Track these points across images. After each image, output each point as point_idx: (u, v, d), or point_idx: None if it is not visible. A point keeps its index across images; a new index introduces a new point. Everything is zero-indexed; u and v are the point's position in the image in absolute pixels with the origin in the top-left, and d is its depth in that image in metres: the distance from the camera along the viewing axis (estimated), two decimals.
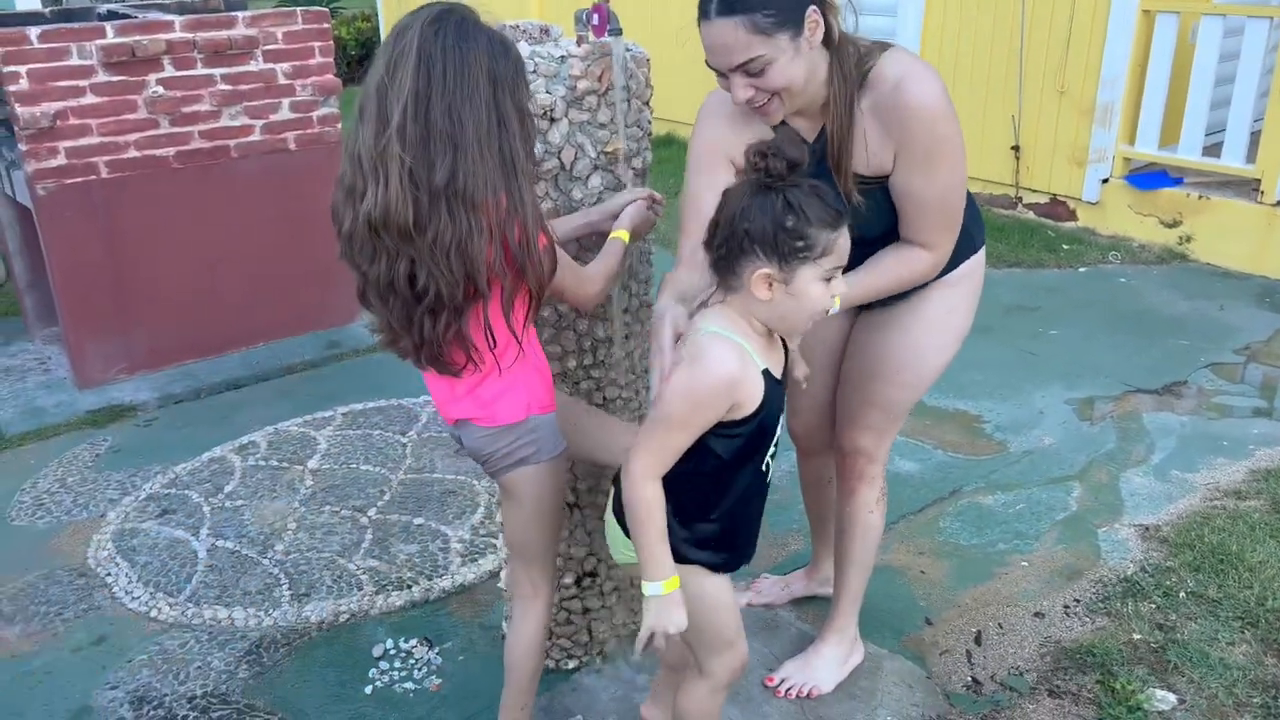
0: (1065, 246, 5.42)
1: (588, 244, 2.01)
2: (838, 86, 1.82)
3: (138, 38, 3.69)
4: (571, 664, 2.41)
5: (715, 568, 1.72)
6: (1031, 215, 5.89)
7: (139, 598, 2.75)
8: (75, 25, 3.62)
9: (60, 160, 3.67)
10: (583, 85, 1.96)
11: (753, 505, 1.74)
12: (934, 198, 1.88)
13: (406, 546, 2.94)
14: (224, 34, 3.89)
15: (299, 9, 4.07)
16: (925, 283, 2.07)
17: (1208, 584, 2.68)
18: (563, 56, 1.96)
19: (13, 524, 3.13)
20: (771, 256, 1.51)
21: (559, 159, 2.00)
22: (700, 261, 1.66)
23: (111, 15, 4.05)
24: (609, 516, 1.79)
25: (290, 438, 3.59)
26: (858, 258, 1.95)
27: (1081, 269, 5.16)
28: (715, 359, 1.54)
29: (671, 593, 1.61)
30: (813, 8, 1.73)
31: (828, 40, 1.80)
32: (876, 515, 2.29)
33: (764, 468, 1.71)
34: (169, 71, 3.80)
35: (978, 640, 2.55)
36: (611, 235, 1.92)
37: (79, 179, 3.73)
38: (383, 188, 1.54)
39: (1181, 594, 2.66)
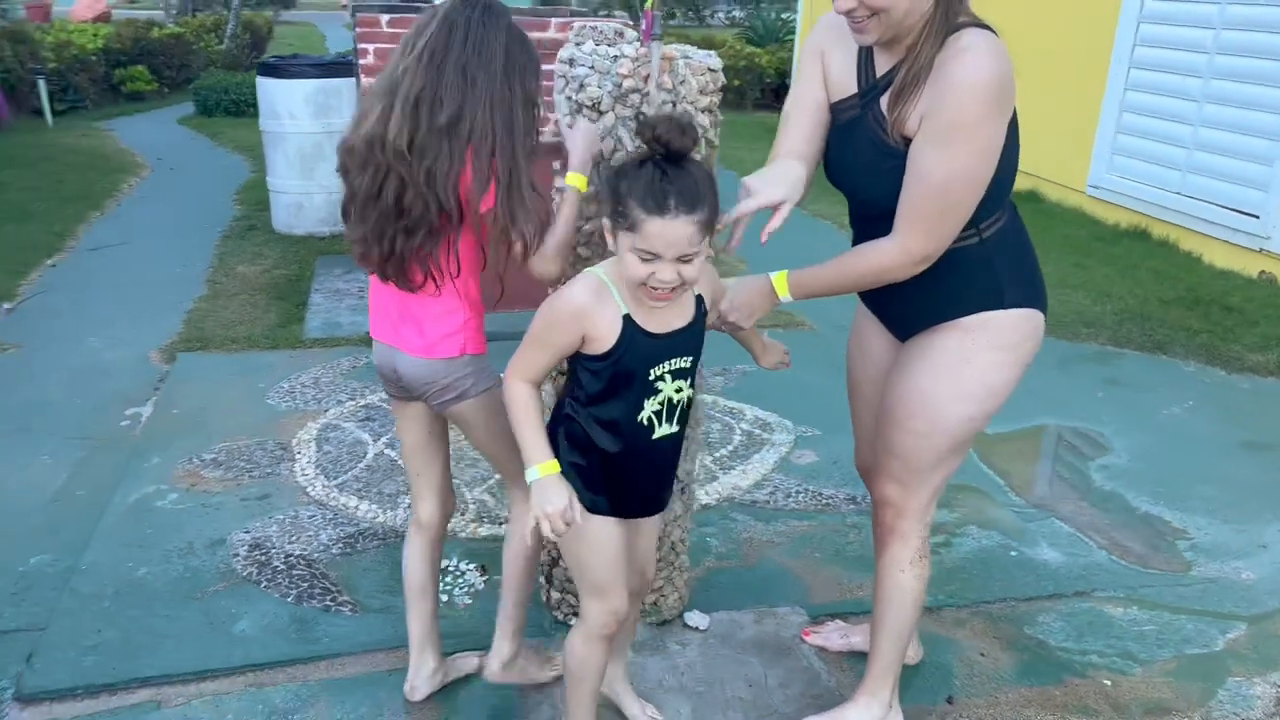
0: None
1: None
2: (933, 29, 1.77)
3: None
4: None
5: (590, 507, 1.85)
6: None
7: (307, 474, 3.34)
8: (415, 15, 4.37)
9: None
10: (628, 84, 2.14)
11: (632, 461, 1.84)
12: (934, 178, 1.77)
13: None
14: (544, 35, 4.46)
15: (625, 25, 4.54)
16: (934, 321, 1.99)
17: None
18: (616, 56, 2.15)
19: (266, 402, 3.91)
20: (607, 210, 1.69)
21: (600, 148, 2.19)
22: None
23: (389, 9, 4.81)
24: None
25: None
26: (864, 216, 1.99)
27: None
28: (571, 289, 1.75)
29: (548, 475, 1.77)
30: None
31: None
32: (909, 576, 2.16)
33: (643, 422, 1.80)
34: None
35: None
36: (566, 183, 2.01)
37: None
38: (388, 113, 1.85)
39: None
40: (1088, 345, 4.86)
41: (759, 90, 13.34)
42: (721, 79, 2.25)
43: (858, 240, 2.04)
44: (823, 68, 1.98)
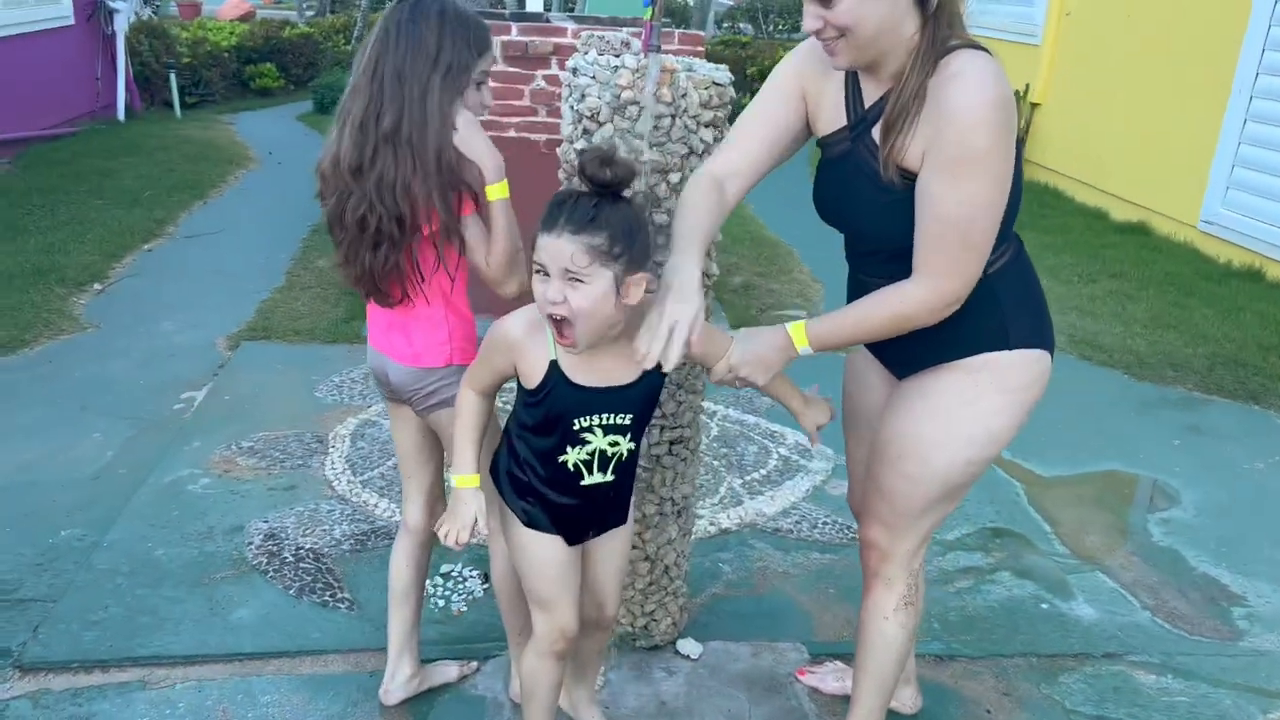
0: None
1: None
2: (920, 54, 1.66)
3: (533, 39, 4.39)
4: None
5: (525, 519, 1.84)
6: None
7: (335, 469, 3.39)
8: (490, 23, 4.41)
9: None
10: (626, 95, 2.09)
11: (564, 496, 1.81)
12: (951, 215, 1.66)
13: None
14: (561, 40, 4.45)
15: (676, 30, 4.50)
16: (934, 361, 1.88)
17: None
18: (616, 67, 2.11)
19: (313, 394, 3.99)
20: None
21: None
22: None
23: (519, 17, 4.82)
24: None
25: None
26: (888, 273, 1.84)
27: None
28: (512, 317, 1.74)
29: (463, 487, 1.81)
30: None
31: (928, 6, 1.66)
32: (892, 624, 2.05)
33: (568, 466, 1.77)
34: (554, 69, 4.45)
35: None
36: (489, 196, 1.93)
37: None
38: (339, 135, 1.87)
39: None
40: (1173, 389, 4.57)
41: None
42: (730, 93, 2.18)
43: (856, 275, 1.94)
44: (802, 94, 1.88)
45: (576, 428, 1.73)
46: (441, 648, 2.53)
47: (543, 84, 4.48)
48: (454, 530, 1.80)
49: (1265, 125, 6.24)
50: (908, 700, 2.40)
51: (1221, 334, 5.18)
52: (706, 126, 2.16)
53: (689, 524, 2.51)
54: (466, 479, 1.82)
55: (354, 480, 3.32)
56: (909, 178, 1.72)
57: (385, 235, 1.88)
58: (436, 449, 2.25)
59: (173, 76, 10.59)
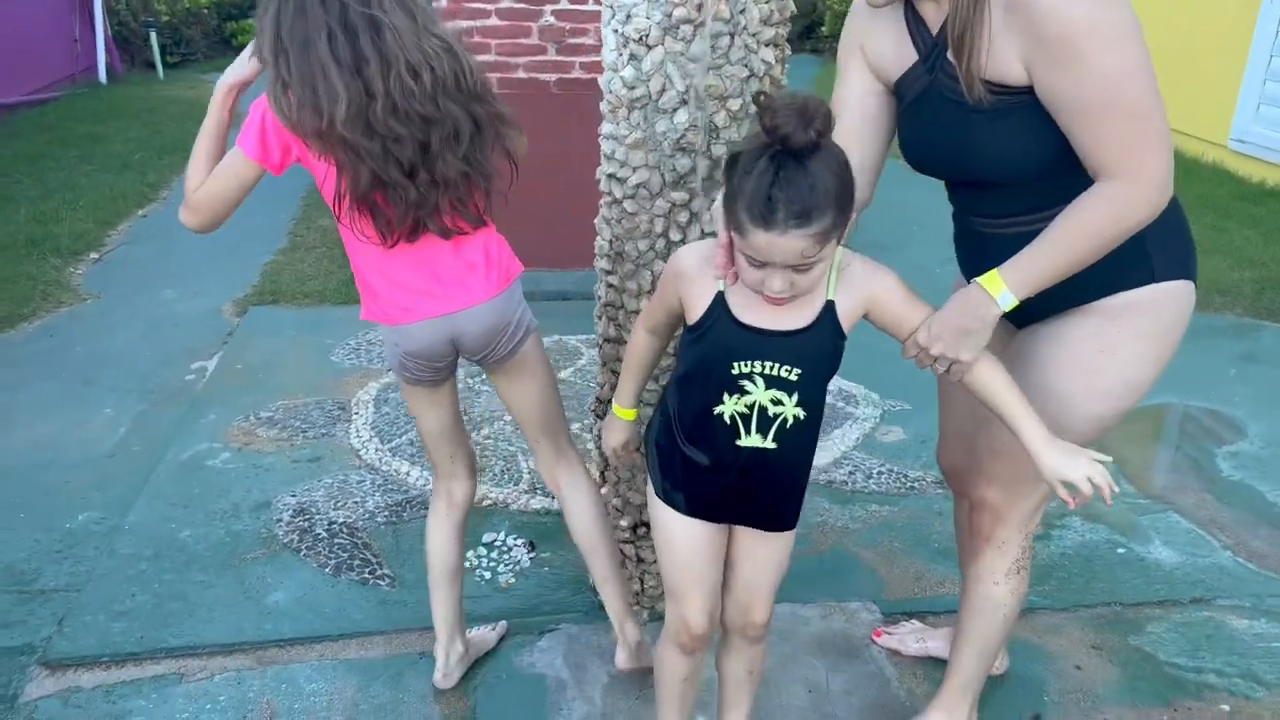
0: None
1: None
2: None
3: None
4: None
5: (663, 496, 1.67)
6: None
7: (361, 436, 3.21)
8: None
9: None
10: (679, 13, 1.88)
11: (711, 459, 1.60)
12: (1094, 96, 1.42)
13: None
14: None
15: None
16: (1065, 305, 1.66)
17: None
18: None
19: (330, 359, 3.80)
20: (724, 200, 1.45)
21: (647, 87, 1.94)
22: None
23: None
24: None
25: (565, 348, 3.89)
26: (978, 206, 1.66)
27: None
28: (688, 248, 1.61)
29: (618, 417, 1.80)
30: None
31: None
32: (1003, 590, 1.88)
33: (723, 418, 1.55)
34: (564, 5, 4.20)
35: None
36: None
37: None
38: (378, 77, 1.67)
39: None
40: (1223, 317, 4.39)
41: None
42: (791, 7, 1.97)
43: (970, 225, 1.72)
44: (864, 58, 1.69)
45: (735, 372, 1.52)
46: (492, 623, 2.37)
47: (551, 20, 4.23)
48: (609, 451, 1.84)
49: None
50: (995, 662, 2.25)
51: (1266, 256, 4.99)
52: (768, 45, 1.94)
53: None
54: (623, 410, 1.80)
55: (382, 448, 3.14)
56: (1011, 92, 1.51)
57: (465, 135, 1.75)
58: (461, 418, 2.10)
59: (153, 35, 10.26)
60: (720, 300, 1.52)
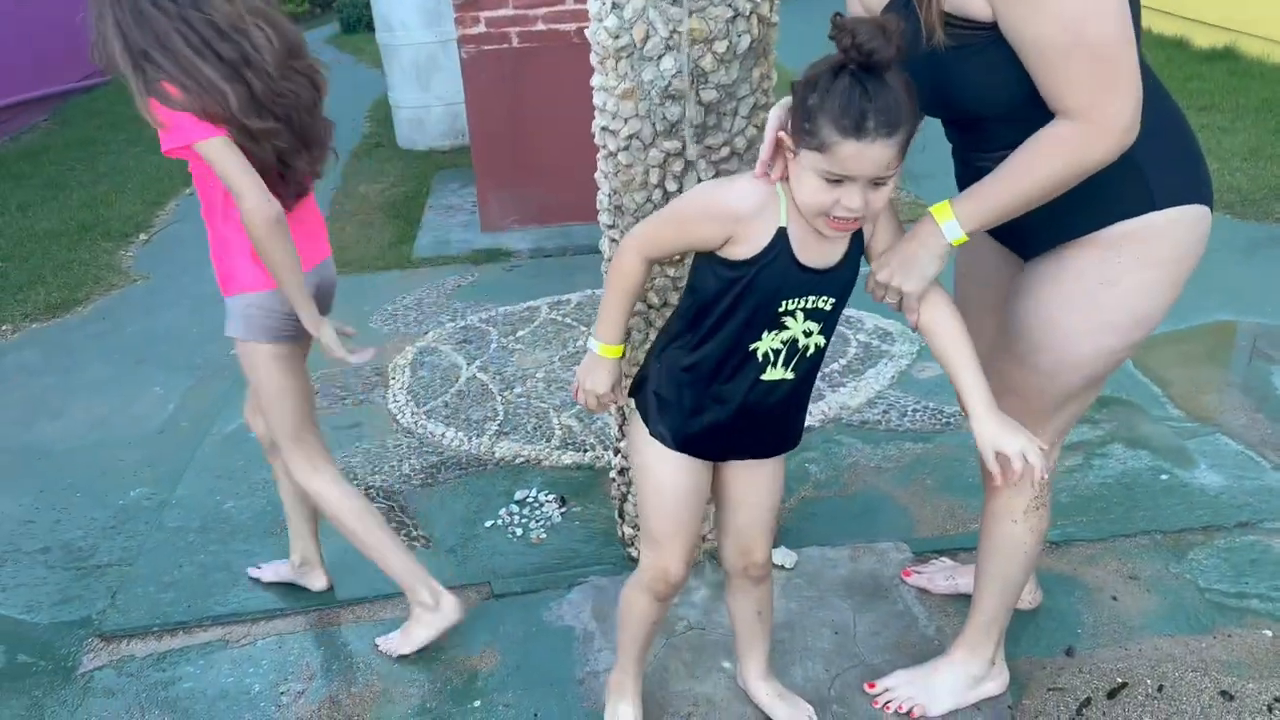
0: None
1: None
2: None
3: None
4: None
5: (653, 434, 1.66)
6: None
7: (398, 401, 3.27)
8: None
9: (481, 28, 4.24)
10: None
11: (727, 391, 1.59)
12: (1054, 37, 1.39)
13: (608, 417, 3.08)
14: None
15: None
16: (1065, 237, 1.61)
17: None
18: None
19: (369, 325, 3.86)
20: (792, 122, 1.43)
21: (631, 35, 1.91)
22: None
23: None
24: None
25: (596, 302, 3.87)
26: (970, 142, 1.64)
27: None
28: (741, 189, 1.52)
29: (603, 357, 1.67)
30: None
31: None
32: (1021, 527, 1.86)
33: (755, 354, 1.55)
34: None
35: (1112, 694, 2.02)
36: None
37: (494, 46, 4.28)
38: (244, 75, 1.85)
39: None
40: None
41: None
42: None
43: (967, 161, 1.67)
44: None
45: (781, 309, 1.53)
46: (525, 579, 2.41)
47: None
48: (589, 396, 1.69)
49: None
50: (1027, 597, 2.22)
51: None
52: None
53: None
54: (608, 348, 1.66)
55: (418, 411, 3.20)
56: (978, 27, 1.45)
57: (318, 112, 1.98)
58: None
59: None
60: (782, 237, 1.49)
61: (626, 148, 2.01)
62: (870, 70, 1.35)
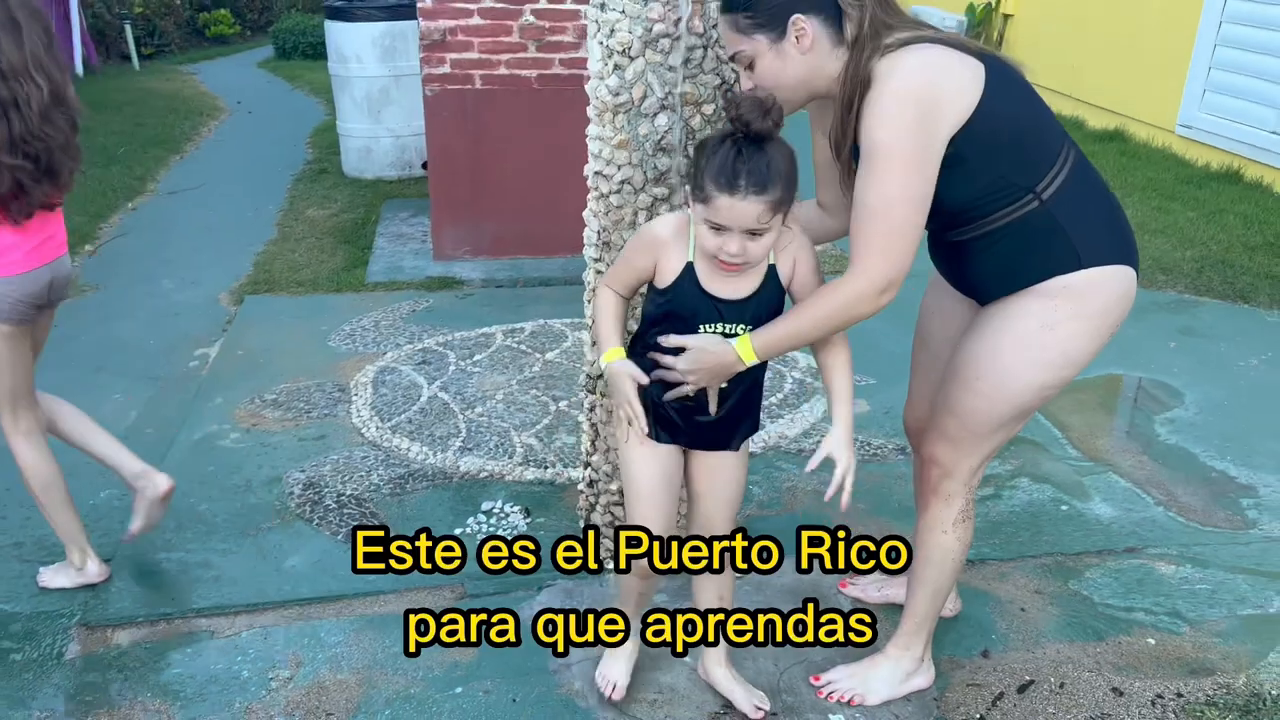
0: None
1: None
2: (843, 85, 1.81)
3: None
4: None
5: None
6: None
7: (362, 416, 3.43)
8: None
9: (446, 69, 4.47)
10: (658, 28, 2.11)
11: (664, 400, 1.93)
12: (869, 203, 1.77)
13: (567, 437, 3.30)
14: None
15: None
16: (1010, 288, 1.92)
17: None
18: (646, 0, 2.11)
19: (328, 344, 4.01)
20: (691, 178, 1.76)
21: (630, 94, 2.17)
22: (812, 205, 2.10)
23: None
24: None
25: (550, 331, 4.11)
26: (936, 223, 1.94)
27: None
28: (664, 219, 1.90)
29: (611, 362, 1.92)
30: (799, 16, 1.76)
31: (853, 39, 1.78)
32: (951, 538, 2.15)
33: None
34: (543, 4, 4.41)
35: (1021, 690, 2.32)
36: None
37: (457, 86, 4.51)
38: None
39: None
40: (1164, 293, 4.68)
41: None
42: None
43: (937, 242, 2.03)
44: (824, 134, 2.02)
45: (701, 331, 1.86)
46: (498, 580, 2.60)
47: (531, 19, 4.43)
48: (629, 411, 1.90)
49: (1241, 26, 6.29)
50: (949, 605, 2.51)
51: (1207, 236, 5.29)
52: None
53: None
54: (612, 352, 1.92)
55: (383, 426, 3.36)
56: None
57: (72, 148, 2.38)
58: None
59: (127, 28, 10.34)
60: (689, 270, 1.82)
61: (619, 191, 2.26)
62: (751, 139, 1.67)
